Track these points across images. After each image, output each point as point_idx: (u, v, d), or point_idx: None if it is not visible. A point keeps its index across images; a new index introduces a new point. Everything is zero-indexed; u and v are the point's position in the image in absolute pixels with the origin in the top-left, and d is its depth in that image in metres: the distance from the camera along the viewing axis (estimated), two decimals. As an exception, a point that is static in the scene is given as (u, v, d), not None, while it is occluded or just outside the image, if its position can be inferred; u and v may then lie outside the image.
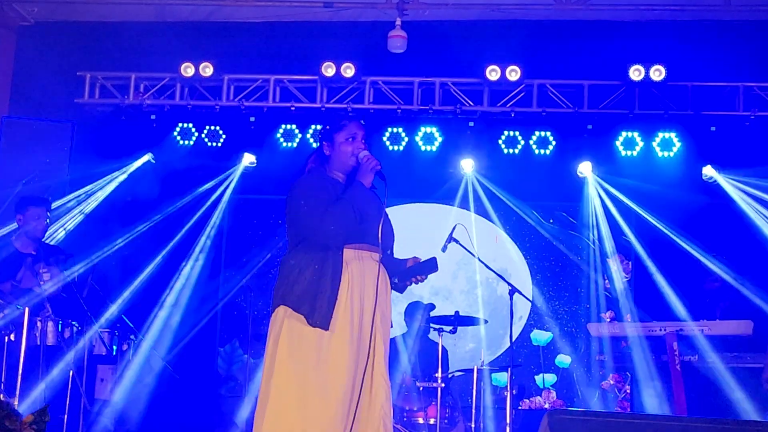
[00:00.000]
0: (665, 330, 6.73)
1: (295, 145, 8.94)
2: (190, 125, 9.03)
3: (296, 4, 8.44)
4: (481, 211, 8.98)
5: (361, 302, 4.50)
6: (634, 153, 8.66)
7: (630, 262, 8.52)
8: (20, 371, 5.88)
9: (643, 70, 8.26)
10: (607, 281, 8.49)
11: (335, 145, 4.65)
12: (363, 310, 4.50)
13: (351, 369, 4.43)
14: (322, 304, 4.43)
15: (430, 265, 4.69)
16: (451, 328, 7.19)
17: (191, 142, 9.05)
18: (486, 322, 7.63)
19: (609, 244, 8.60)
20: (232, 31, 8.97)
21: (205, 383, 8.67)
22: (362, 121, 6.33)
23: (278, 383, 4.42)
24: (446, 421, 7.00)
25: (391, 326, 4.82)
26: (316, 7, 8.38)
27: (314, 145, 8.47)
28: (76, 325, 6.59)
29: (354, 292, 4.51)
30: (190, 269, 8.75)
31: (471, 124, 8.78)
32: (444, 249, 6.34)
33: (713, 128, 8.56)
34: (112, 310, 7.59)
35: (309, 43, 8.84)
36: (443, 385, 6.83)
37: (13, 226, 6.86)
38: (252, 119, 8.95)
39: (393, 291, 4.81)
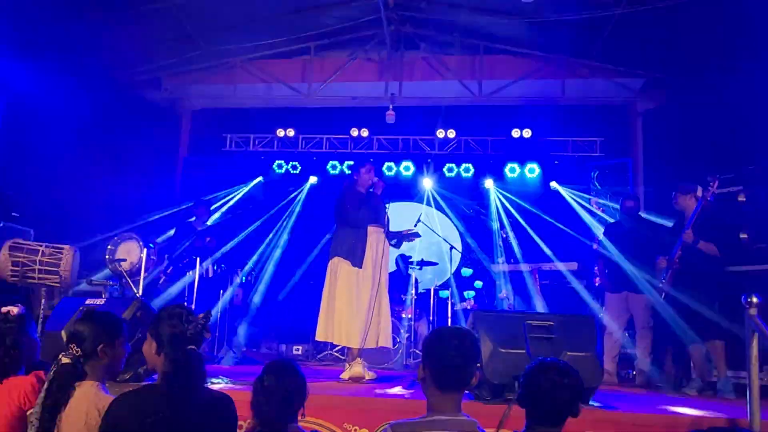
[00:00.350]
0: (531, 267, 6.71)
1: (337, 172, 8.78)
2: (282, 162, 8.90)
3: (338, 97, 8.37)
4: (434, 206, 8.79)
5: (376, 254, 4.61)
6: (515, 175, 8.55)
7: (513, 234, 8.09)
8: (195, 291, 5.89)
9: (520, 131, 8.18)
10: (501, 242, 8.17)
11: (360, 174, 4.76)
12: (376, 259, 4.57)
13: (369, 290, 4.52)
14: (359, 255, 4.54)
15: (416, 235, 4.91)
16: (419, 267, 7.01)
17: (283, 171, 8.91)
18: (437, 264, 7.25)
19: (505, 222, 8.29)
20: (304, 111, 8.65)
21: (292, 298, 8.40)
22: (371, 159, 6.39)
23: (339, 299, 4.48)
24: (416, 315, 6.86)
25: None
26: (347, 99, 8.39)
27: (347, 172, 8.55)
28: (223, 266, 6.57)
29: (373, 249, 4.61)
30: (281, 239, 8.50)
31: (429, 161, 8.64)
32: (415, 225, 6.23)
33: (556, 162, 8.47)
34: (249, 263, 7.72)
35: (344, 117, 8.60)
36: (415, 297, 6.77)
37: (192, 218, 6.86)
38: (314, 158, 8.81)
39: (392, 248, 4.86)
